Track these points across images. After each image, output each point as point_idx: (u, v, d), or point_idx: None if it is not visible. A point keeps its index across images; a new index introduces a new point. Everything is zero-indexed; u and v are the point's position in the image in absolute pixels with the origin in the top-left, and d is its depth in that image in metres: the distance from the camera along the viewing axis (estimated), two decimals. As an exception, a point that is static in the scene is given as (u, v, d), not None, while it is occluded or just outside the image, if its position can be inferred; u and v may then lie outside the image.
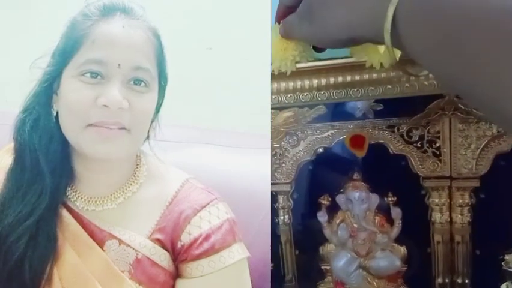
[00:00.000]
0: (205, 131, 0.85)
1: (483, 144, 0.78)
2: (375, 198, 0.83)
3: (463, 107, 0.76)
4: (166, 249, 0.61)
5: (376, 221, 0.85)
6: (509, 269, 0.81)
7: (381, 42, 0.53)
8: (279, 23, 0.68)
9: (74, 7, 0.61)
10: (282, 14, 0.67)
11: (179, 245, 0.60)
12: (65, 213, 0.60)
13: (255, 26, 0.84)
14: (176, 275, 0.62)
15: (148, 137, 0.64)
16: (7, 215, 0.58)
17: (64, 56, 0.58)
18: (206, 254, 0.59)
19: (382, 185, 0.83)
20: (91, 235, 0.60)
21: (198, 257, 0.59)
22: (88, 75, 0.56)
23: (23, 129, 0.60)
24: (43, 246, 0.58)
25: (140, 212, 0.62)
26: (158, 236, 0.60)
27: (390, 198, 0.83)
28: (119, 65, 0.56)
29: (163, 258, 0.60)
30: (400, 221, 0.83)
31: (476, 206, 0.80)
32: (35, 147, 0.59)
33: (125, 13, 0.59)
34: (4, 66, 1.07)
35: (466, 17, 0.43)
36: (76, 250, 0.59)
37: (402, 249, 0.85)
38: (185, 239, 0.60)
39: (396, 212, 0.83)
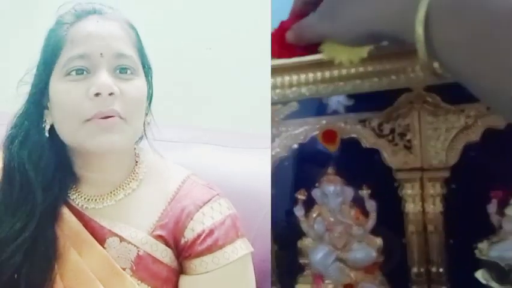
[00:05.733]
0: (205, 131, 0.85)
1: (452, 135, 0.79)
2: (349, 192, 0.85)
3: (431, 100, 0.78)
4: (169, 246, 0.61)
5: (351, 213, 0.86)
6: (483, 257, 0.83)
7: (406, 40, 0.51)
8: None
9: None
10: (299, 13, 0.66)
11: (182, 241, 0.60)
12: (65, 211, 0.61)
13: (255, 26, 0.86)
14: (180, 271, 0.62)
15: (145, 134, 0.65)
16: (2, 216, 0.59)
17: (47, 65, 0.59)
18: (210, 250, 0.59)
19: (356, 178, 0.84)
20: (92, 233, 0.60)
21: (202, 253, 0.60)
22: (74, 73, 0.56)
23: (12, 146, 0.61)
24: (40, 260, 0.58)
25: (141, 208, 0.62)
26: (160, 232, 0.61)
27: (364, 191, 0.85)
28: (101, 54, 0.56)
29: (164, 254, 0.60)
30: (375, 213, 0.85)
31: (448, 196, 0.82)
32: (24, 164, 0.59)
33: (98, 14, 0.60)
34: (4, 67, 1.06)
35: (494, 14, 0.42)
36: (76, 248, 0.59)
37: (378, 241, 0.87)
38: (188, 235, 0.60)
39: (370, 204, 0.85)
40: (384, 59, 0.76)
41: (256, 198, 0.73)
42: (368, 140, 0.82)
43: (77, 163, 0.62)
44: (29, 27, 1.10)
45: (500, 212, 0.81)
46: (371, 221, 0.86)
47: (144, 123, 0.64)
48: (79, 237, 0.59)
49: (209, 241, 0.59)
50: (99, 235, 0.60)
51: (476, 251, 0.83)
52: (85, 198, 0.62)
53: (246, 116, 0.92)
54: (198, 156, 0.78)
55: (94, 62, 0.56)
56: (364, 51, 0.69)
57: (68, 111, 0.57)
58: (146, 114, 0.64)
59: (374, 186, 0.84)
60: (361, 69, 0.78)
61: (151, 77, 0.64)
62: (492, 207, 0.81)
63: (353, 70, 0.78)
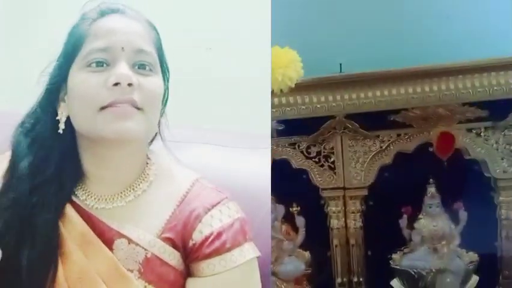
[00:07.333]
0: (205, 131, 0.85)
1: (369, 158, 0.90)
2: (281, 209, 0.93)
3: (350, 127, 0.89)
4: (177, 248, 0.60)
5: (283, 229, 0.94)
6: (396, 267, 0.94)
7: None
8: None
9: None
10: None
11: (190, 243, 0.60)
12: (72, 212, 0.60)
13: (255, 26, 0.89)
14: (187, 274, 0.62)
15: (160, 134, 0.65)
16: (3, 213, 0.59)
17: (68, 57, 0.59)
18: (217, 252, 0.59)
19: (287, 196, 0.93)
20: (100, 234, 0.59)
21: (210, 255, 0.59)
22: (94, 64, 0.57)
23: (22, 135, 0.62)
24: (41, 249, 0.58)
25: (150, 210, 0.61)
26: (169, 234, 0.60)
27: (294, 208, 0.93)
28: (122, 48, 0.57)
29: (172, 257, 0.60)
30: (304, 229, 0.94)
31: (366, 212, 0.93)
32: (34, 155, 0.60)
33: (121, 13, 0.62)
34: (4, 67, 1.04)
35: None
36: (82, 250, 0.59)
37: (307, 254, 0.95)
38: (196, 237, 0.60)
39: (300, 221, 0.93)
40: (310, 89, 0.86)
41: (256, 197, 0.72)
42: (297, 161, 0.91)
43: (88, 159, 0.62)
44: (29, 28, 1.08)
45: (410, 226, 0.93)
46: (300, 236, 0.94)
47: (159, 123, 0.64)
48: (85, 239, 0.59)
49: (217, 243, 0.59)
50: (107, 236, 0.59)
51: (391, 261, 0.94)
52: (95, 198, 0.62)
53: (246, 116, 0.91)
54: (198, 156, 0.77)
55: (114, 55, 0.57)
56: (292, 82, 0.79)
57: (85, 99, 0.57)
58: (161, 115, 0.64)
59: (302, 204, 0.93)
60: (291, 98, 0.88)
61: (168, 80, 0.65)
62: (403, 222, 0.92)
63: (283, 99, 0.87)
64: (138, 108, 0.58)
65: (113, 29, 0.59)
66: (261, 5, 0.84)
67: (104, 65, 0.58)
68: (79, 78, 0.58)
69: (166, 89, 0.64)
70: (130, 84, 0.57)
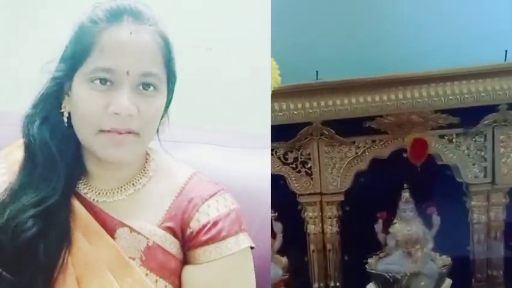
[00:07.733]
0: (205, 131, 0.86)
1: (345, 164, 0.92)
2: (258, 215, 0.93)
3: (327, 133, 0.90)
4: (177, 237, 0.63)
5: (260, 235, 0.94)
6: (372, 271, 0.95)
7: None
8: None
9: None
10: None
11: (188, 231, 0.62)
12: (76, 203, 0.62)
13: (255, 26, 0.89)
14: (185, 262, 0.64)
15: (157, 136, 0.66)
16: (18, 202, 0.60)
17: (74, 62, 0.60)
18: (213, 239, 0.61)
19: (264, 202, 0.93)
20: (103, 224, 0.62)
21: (206, 242, 0.61)
22: (98, 82, 0.58)
23: (32, 124, 0.62)
24: (56, 232, 0.60)
25: (150, 202, 0.64)
26: (169, 224, 0.63)
27: (271, 214, 0.93)
28: (127, 72, 0.58)
29: (173, 245, 0.63)
30: (281, 234, 0.94)
31: (343, 217, 0.94)
32: (47, 142, 0.61)
33: (133, 16, 0.60)
34: (4, 67, 1.03)
35: None
36: (87, 239, 0.61)
37: (284, 260, 0.95)
38: (194, 225, 0.62)
39: (277, 227, 0.94)
40: (287, 96, 0.88)
41: (256, 197, 0.74)
42: (274, 167, 0.92)
43: (89, 158, 0.64)
44: (29, 28, 1.07)
45: (385, 230, 0.94)
46: (278, 242, 0.95)
47: (159, 125, 0.66)
48: (88, 228, 0.61)
49: (213, 231, 0.62)
50: (109, 226, 0.62)
51: (367, 266, 0.95)
52: (95, 192, 0.64)
53: (246, 116, 0.92)
54: (198, 156, 0.78)
55: (119, 78, 0.58)
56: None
57: (86, 119, 0.59)
58: (163, 117, 0.65)
59: (280, 210, 0.94)
60: (268, 104, 0.88)
61: (174, 84, 0.65)
62: (378, 227, 0.94)
63: (261, 105, 0.88)
64: (135, 133, 0.59)
65: (120, 49, 0.58)
66: (261, 5, 0.84)
67: (108, 83, 0.58)
68: (82, 94, 0.59)
69: (171, 93, 0.65)
70: (129, 115, 0.58)
